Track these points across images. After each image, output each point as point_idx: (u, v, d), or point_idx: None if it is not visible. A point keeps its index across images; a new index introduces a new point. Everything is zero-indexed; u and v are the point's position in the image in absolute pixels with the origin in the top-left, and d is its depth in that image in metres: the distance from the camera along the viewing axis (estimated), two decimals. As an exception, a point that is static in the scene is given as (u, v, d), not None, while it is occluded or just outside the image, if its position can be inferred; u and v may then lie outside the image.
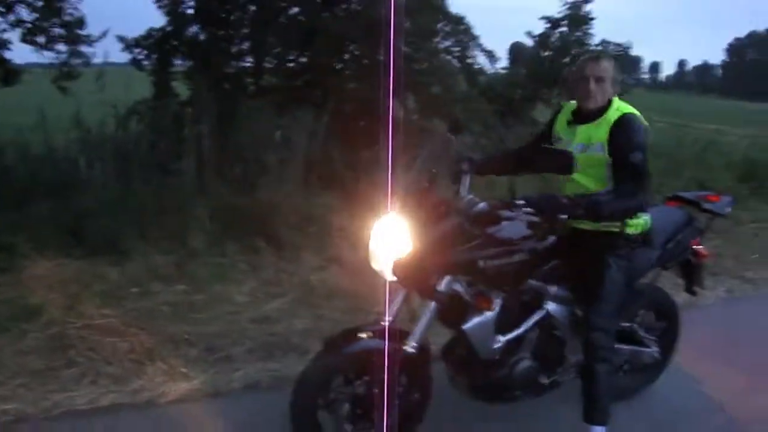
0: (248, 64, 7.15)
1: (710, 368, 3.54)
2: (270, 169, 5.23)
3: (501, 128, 8.03)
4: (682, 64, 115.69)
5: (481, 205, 2.50)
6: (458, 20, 7.25)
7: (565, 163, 2.40)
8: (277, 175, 5.25)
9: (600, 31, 9.16)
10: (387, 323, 2.47)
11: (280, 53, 7.34)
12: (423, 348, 2.50)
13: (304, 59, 7.02)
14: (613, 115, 2.59)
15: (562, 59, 8.66)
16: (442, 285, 2.44)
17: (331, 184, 5.45)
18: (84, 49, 8.23)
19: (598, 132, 2.59)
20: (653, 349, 3.13)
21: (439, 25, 7.08)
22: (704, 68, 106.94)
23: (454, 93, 7.20)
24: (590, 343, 2.60)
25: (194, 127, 5.45)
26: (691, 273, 3.28)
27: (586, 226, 2.70)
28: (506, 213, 2.36)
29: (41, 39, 8.00)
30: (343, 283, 4.43)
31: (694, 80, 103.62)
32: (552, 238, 2.65)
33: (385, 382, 2.34)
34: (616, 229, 2.64)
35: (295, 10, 6.98)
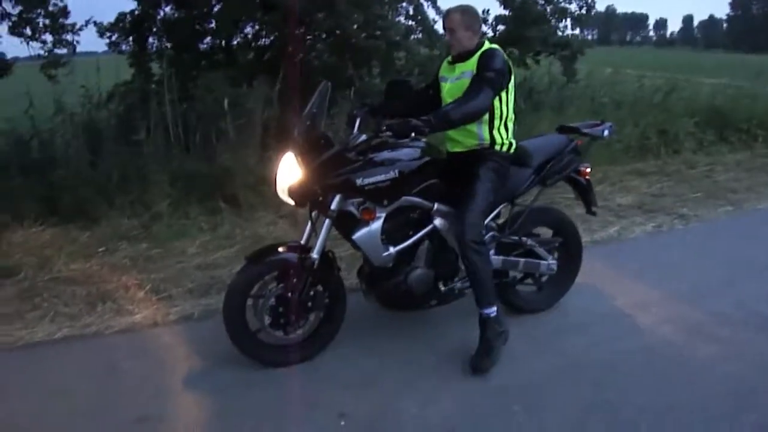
0: (216, 42, 7.55)
1: (617, 288, 4.04)
2: (227, 136, 5.70)
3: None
4: (687, 19, 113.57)
5: (362, 137, 3.11)
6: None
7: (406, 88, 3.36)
8: (235, 140, 5.72)
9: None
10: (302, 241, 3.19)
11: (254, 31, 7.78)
12: (325, 256, 3.11)
13: (269, 35, 7.42)
14: (482, 50, 3.14)
15: (525, 18, 8.94)
16: (333, 204, 3.02)
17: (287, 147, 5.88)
18: (68, 37, 8.81)
19: (470, 64, 3.13)
20: (549, 261, 3.58)
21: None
22: (709, 23, 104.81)
23: (415, 56, 7.55)
24: (461, 237, 3.05)
25: (159, 103, 5.92)
26: (584, 193, 3.77)
27: (460, 148, 3.27)
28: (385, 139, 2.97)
29: (27, 30, 8.54)
30: (290, 234, 4.90)
31: (700, 35, 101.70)
32: (422, 160, 3.14)
33: (293, 284, 3.01)
34: (486, 146, 3.20)
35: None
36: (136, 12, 7.22)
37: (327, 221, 3.04)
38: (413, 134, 2.86)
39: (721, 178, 6.78)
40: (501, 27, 9.19)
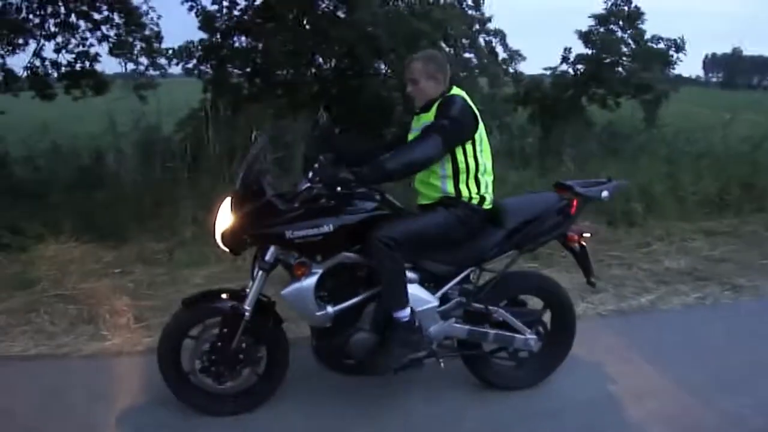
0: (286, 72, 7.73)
1: (620, 370, 3.53)
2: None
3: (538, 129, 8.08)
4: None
5: (305, 185, 2.87)
6: (485, 21, 7.36)
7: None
8: (273, 173, 5.76)
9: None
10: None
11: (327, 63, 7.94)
12: (265, 309, 2.97)
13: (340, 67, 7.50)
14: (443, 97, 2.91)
15: (606, 56, 8.45)
16: (267, 255, 2.87)
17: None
18: (161, 61, 9.45)
19: (431, 114, 2.90)
20: (527, 336, 3.19)
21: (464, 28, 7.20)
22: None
23: (474, 94, 7.35)
24: (374, 234, 2.77)
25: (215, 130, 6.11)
26: (581, 262, 3.32)
27: (426, 201, 3.02)
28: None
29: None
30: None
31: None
32: (368, 214, 2.89)
33: (224, 333, 2.89)
34: (452, 197, 2.93)
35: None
36: (205, 42, 7.56)
37: (261, 273, 2.89)
38: (339, 188, 2.71)
39: (803, 247, 5.94)
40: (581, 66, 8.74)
